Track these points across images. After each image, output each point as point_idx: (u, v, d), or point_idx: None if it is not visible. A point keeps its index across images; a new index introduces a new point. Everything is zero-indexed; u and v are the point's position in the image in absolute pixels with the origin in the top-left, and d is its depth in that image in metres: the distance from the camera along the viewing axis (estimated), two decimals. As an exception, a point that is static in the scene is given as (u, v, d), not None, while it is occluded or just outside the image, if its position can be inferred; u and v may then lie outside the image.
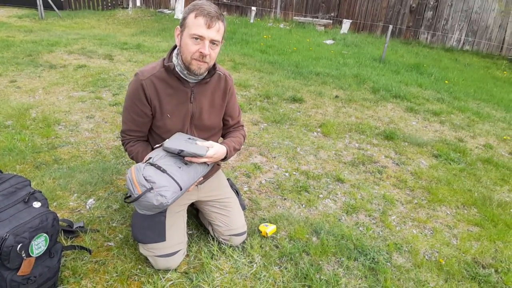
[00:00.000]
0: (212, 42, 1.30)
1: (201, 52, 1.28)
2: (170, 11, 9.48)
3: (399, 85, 4.66)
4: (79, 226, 1.63)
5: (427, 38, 7.94)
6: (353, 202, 2.12)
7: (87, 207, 1.83)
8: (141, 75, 1.38)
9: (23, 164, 2.15)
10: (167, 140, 1.36)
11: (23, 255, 1.10)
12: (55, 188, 1.93)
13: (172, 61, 1.38)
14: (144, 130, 1.49)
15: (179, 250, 1.46)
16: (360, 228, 1.89)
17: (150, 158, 1.31)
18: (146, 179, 1.21)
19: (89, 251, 1.50)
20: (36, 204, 1.20)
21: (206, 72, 1.41)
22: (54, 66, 4.25)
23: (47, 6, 7.93)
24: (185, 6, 8.52)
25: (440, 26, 7.75)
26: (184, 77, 1.39)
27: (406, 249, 1.77)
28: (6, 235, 1.05)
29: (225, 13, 9.53)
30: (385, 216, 2.02)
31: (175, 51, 1.40)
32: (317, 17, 8.73)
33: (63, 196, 1.89)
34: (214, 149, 1.40)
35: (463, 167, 2.71)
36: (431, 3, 7.66)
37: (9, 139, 2.40)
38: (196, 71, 1.33)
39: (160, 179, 1.22)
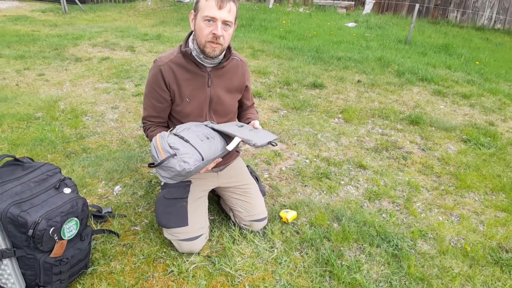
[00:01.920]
0: (225, 23, 1.31)
1: (214, 34, 1.29)
2: (188, 0, 9.47)
3: (426, 67, 4.46)
4: (108, 212, 1.71)
5: (456, 17, 7.50)
6: (376, 189, 2.08)
7: (115, 193, 1.91)
8: (160, 61, 1.42)
9: (54, 154, 2.26)
10: (233, 131, 1.38)
11: (56, 238, 1.17)
12: (84, 176, 2.02)
13: (188, 46, 1.40)
14: (164, 115, 1.52)
15: (201, 235, 1.50)
16: (383, 215, 1.86)
17: (174, 128, 1.35)
18: (170, 146, 1.24)
19: (117, 235, 1.57)
20: (67, 190, 1.26)
21: (222, 56, 1.43)
22: (80, 59, 4.38)
23: (70, 0, 8.14)
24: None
25: (471, 3, 7.28)
26: (201, 62, 1.41)
27: (431, 236, 1.73)
28: (39, 219, 1.12)
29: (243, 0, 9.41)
30: (410, 203, 1.97)
31: (191, 37, 1.41)
32: (338, -1, 8.43)
33: (92, 183, 1.97)
34: (259, 126, 1.51)
35: (493, 151, 2.58)
36: (462, -22, 7.20)
37: (40, 130, 2.52)
38: (210, 53, 1.35)
39: (184, 147, 1.26)
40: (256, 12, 7.78)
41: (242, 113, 1.71)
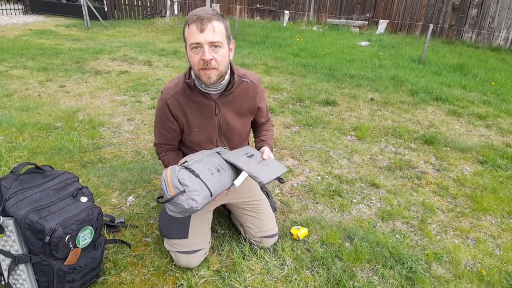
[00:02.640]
0: (212, 45, 1.23)
1: (203, 60, 1.23)
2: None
3: (441, 87, 4.43)
4: (120, 222, 1.73)
5: (471, 37, 7.48)
6: (389, 208, 2.04)
7: (127, 204, 1.94)
8: (165, 93, 1.41)
9: (71, 163, 2.32)
10: (241, 165, 1.36)
11: (71, 245, 1.19)
12: (99, 185, 2.06)
13: (192, 77, 1.38)
14: (175, 143, 1.56)
15: (200, 249, 1.48)
16: (397, 236, 1.82)
17: (185, 161, 1.35)
18: (180, 182, 1.24)
19: (129, 245, 1.58)
20: (83, 199, 1.29)
21: (224, 80, 1.36)
22: (99, 72, 4.54)
23: (92, 16, 8.51)
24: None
25: (486, 24, 7.27)
26: (205, 90, 1.38)
27: (447, 259, 1.68)
28: (56, 226, 1.14)
29: (257, 18, 9.64)
30: (424, 224, 1.93)
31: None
32: (352, 19, 8.55)
33: (106, 193, 2.01)
34: (270, 154, 1.50)
35: (511, 174, 2.51)
36: (476, 0, 7.21)
37: (59, 139, 2.60)
38: (207, 81, 1.29)
39: (193, 183, 1.25)
40: (270, 30, 7.94)
41: (256, 129, 1.71)
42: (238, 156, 1.43)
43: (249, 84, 1.47)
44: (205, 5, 10.05)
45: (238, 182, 1.35)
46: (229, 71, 1.39)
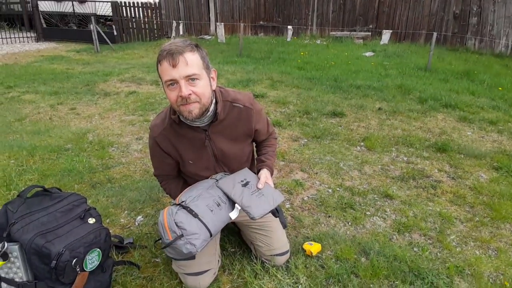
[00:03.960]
0: (188, 78, 1.16)
1: (181, 96, 1.17)
2: (210, 37, 9.96)
3: (449, 93, 4.37)
4: (129, 242, 1.71)
5: (474, 44, 7.43)
6: (404, 220, 1.97)
7: (136, 223, 1.92)
8: (153, 131, 1.37)
9: (80, 184, 2.32)
10: (233, 195, 1.33)
11: (78, 269, 1.17)
12: (108, 206, 2.06)
13: (176, 114, 1.31)
14: (173, 173, 1.55)
15: (208, 270, 1.44)
16: (415, 249, 1.75)
17: (183, 201, 1.29)
18: (177, 225, 1.20)
19: (138, 267, 1.55)
20: (91, 220, 1.28)
21: (209, 112, 1.29)
22: (108, 94, 4.63)
23: (101, 40, 8.77)
24: (225, 32, 8.91)
25: (487, 32, 7.23)
26: (192, 125, 1.32)
27: (469, 272, 1.59)
28: (62, 250, 1.13)
29: (261, 34, 9.80)
30: (443, 235, 1.85)
31: None
32: (355, 30, 8.61)
33: (115, 213, 2.00)
34: (268, 179, 1.45)
35: (531, 180, 2.42)
36: (475, 9, 7.21)
37: (69, 161, 2.62)
38: (188, 116, 1.21)
39: (191, 225, 1.21)
40: (274, 45, 8.04)
41: (257, 146, 1.66)
42: (233, 184, 1.38)
43: (241, 109, 1.38)
44: (209, 26, 10.30)
45: (233, 215, 1.31)
46: (214, 100, 1.31)
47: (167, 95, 1.22)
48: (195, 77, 1.17)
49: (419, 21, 7.93)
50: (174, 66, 1.14)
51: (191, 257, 1.24)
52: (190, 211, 1.24)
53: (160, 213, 1.27)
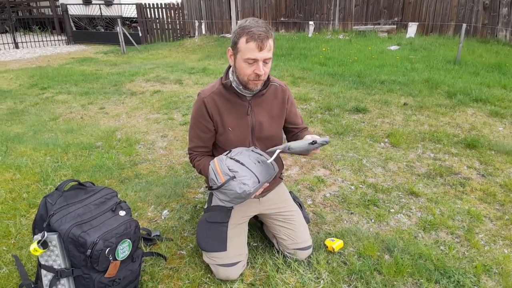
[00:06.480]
0: (265, 60, 1.35)
1: (256, 73, 1.35)
2: (231, 35, 10.05)
3: (480, 87, 4.18)
4: (156, 235, 1.78)
5: (506, 36, 7.03)
6: (431, 218, 1.93)
7: (163, 217, 1.99)
8: (203, 93, 1.50)
9: (110, 179, 2.44)
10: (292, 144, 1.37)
11: (110, 258, 1.24)
12: (136, 200, 2.15)
13: (229, 78, 1.47)
14: (209, 145, 1.58)
15: (238, 262, 1.48)
16: (441, 247, 1.70)
17: (229, 152, 1.40)
18: (229, 169, 1.29)
19: (165, 258, 1.62)
20: (122, 213, 1.35)
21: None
22: (135, 93, 4.79)
23: (127, 42, 9.07)
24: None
25: (518, 22, 6.82)
26: (241, 92, 1.46)
27: (496, 271, 1.54)
28: (97, 240, 1.20)
29: (282, 31, 9.75)
30: (471, 234, 1.79)
31: (231, 69, 1.47)
32: (379, 24, 8.38)
33: (142, 207, 2.08)
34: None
35: None
36: None
37: (100, 158, 2.76)
38: (253, 89, 1.42)
39: (241, 170, 1.30)
40: (295, 41, 7.98)
41: (299, 133, 1.66)
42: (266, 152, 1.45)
43: (277, 88, 1.55)
44: (230, 24, 10.36)
45: (271, 159, 1.38)
46: None
47: (240, 68, 1.37)
48: (269, 60, 1.36)
49: (447, 12, 7.60)
50: (261, 49, 1.30)
51: (243, 198, 1.28)
52: (237, 161, 1.33)
53: (211, 163, 1.36)
